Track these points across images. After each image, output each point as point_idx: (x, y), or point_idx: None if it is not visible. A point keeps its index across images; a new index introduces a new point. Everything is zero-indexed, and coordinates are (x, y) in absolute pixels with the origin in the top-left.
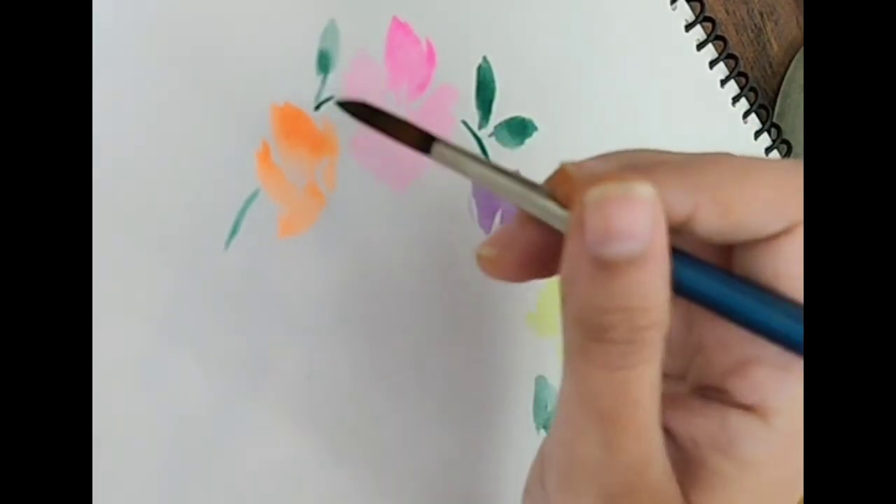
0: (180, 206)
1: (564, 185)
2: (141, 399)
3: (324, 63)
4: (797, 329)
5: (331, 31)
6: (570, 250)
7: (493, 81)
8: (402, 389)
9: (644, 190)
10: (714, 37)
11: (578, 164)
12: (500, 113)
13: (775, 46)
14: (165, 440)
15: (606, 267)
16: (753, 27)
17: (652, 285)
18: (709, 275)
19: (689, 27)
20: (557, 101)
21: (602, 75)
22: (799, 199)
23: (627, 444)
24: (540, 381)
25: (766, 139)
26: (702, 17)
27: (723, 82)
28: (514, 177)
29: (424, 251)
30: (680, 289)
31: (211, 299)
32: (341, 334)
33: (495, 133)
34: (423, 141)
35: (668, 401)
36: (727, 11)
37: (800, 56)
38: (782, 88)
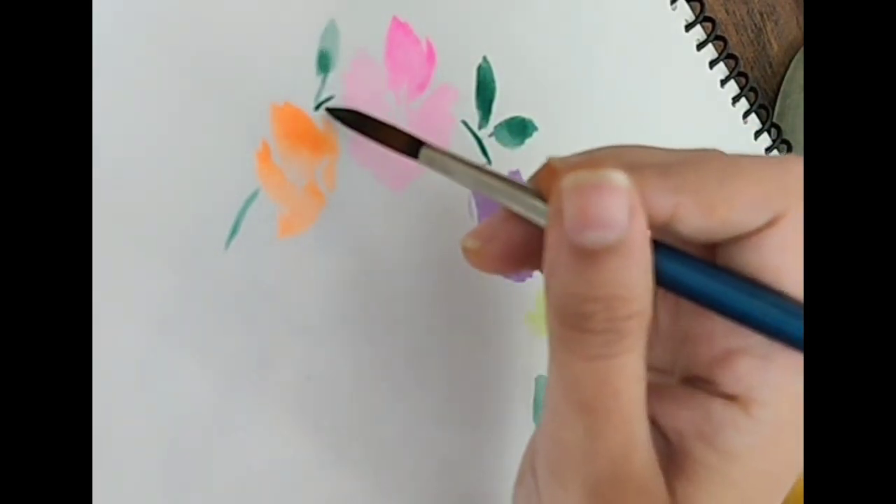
0: (180, 206)
1: (550, 180)
2: (141, 399)
3: (324, 63)
4: (782, 319)
5: (331, 31)
6: (551, 240)
7: (493, 81)
8: (402, 389)
9: (618, 177)
10: (714, 37)
11: (564, 159)
12: (500, 113)
13: (775, 46)
14: (165, 440)
15: (585, 255)
16: (753, 27)
17: (631, 274)
18: (692, 266)
19: (689, 27)
20: (557, 101)
21: (602, 75)
22: (782, 193)
23: (610, 433)
24: (540, 381)
25: (766, 139)
26: (702, 17)
27: (723, 82)
28: (501, 178)
29: (424, 251)
30: (664, 281)
31: (211, 299)
32: (341, 334)
33: (495, 133)
34: (410, 146)
35: (654, 391)
36: (727, 11)
37: (800, 56)
38: (782, 88)
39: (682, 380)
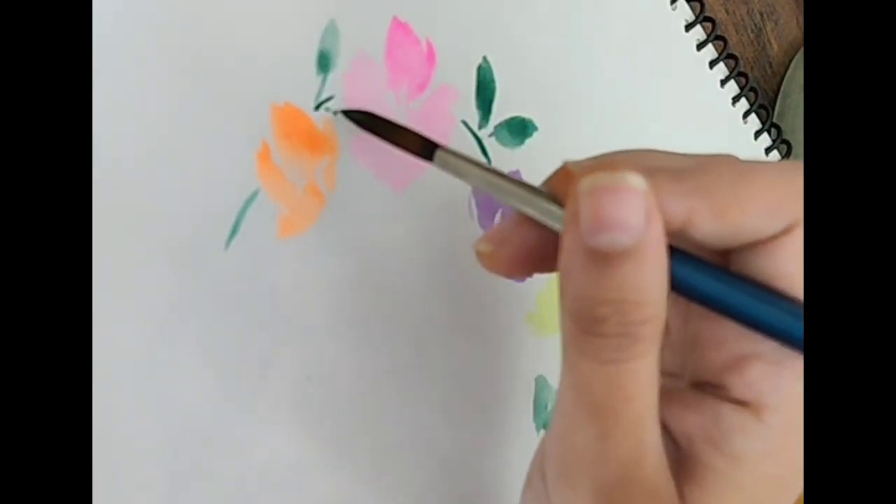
0: (180, 206)
1: (566, 184)
2: (141, 399)
3: (324, 63)
4: (796, 325)
5: (331, 31)
6: (566, 243)
7: (493, 81)
8: (402, 389)
9: (635, 180)
10: (714, 37)
11: (580, 163)
12: (500, 113)
13: (775, 46)
14: (166, 440)
15: (600, 258)
16: (753, 27)
17: (646, 278)
18: (706, 272)
19: (689, 27)
20: (557, 101)
21: (602, 75)
22: (796, 199)
23: (620, 438)
24: (540, 381)
25: (766, 139)
26: (702, 17)
27: (723, 82)
28: (516, 182)
29: (424, 251)
30: (676, 286)
31: (211, 299)
32: (341, 334)
33: (495, 133)
34: (425, 148)
35: (663, 395)
36: (727, 11)
37: (800, 56)
38: (782, 88)
39: (691, 384)
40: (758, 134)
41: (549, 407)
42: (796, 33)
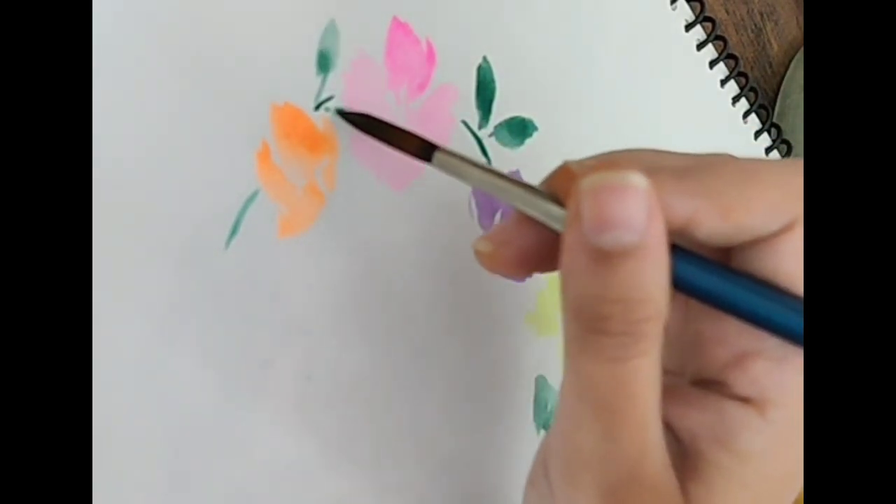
0: (180, 206)
1: (566, 183)
2: (141, 399)
3: (324, 63)
4: (798, 321)
5: (331, 31)
6: (568, 242)
7: (493, 81)
8: (402, 389)
9: (637, 179)
10: (714, 37)
11: (581, 162)
12: (500, 113)
13: (775, 46)
14: (166, 440)
15: (603, 257)
16: (753, 27)
17: (648, 277)
18: (707, 269)
19: (689, 27)
20: (557, 101)
21: (602, 75)
22: (797, 198)
23: (625, 436)
24: (540, 381)
25: (766, 139)
26: (702, 17)
27: (723, 82)
28: (516, 182)
29: (424, 251)
30: (678, 283)
31: (211, 299)
32: (341, 334)
33: (495, 133)
34: (424, 149)
35: (666, 393)
36: (727, 11)
37: (800, 56)
38: (782, 88)
39: (692, 383)
40: (758, 134)
41: (549, 407)
42: (796, 33)
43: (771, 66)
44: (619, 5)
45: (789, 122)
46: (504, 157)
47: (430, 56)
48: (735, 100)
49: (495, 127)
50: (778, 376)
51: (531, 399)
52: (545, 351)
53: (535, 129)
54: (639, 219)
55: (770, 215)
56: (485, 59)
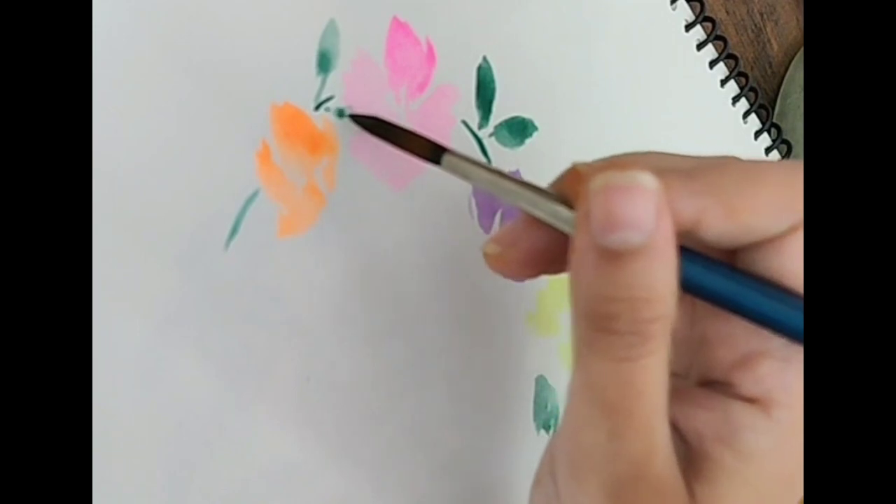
0: (180, 206)
1: (575, 185)
2: (141, 399)
3: (324, 63)
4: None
5: (331, 31)
6: (578, 242)
7: (493, 81)
8: (402, 389)
9: (646, 179)
10: (714, 37)
11: (589, 164)
12: (500, 113)
13: (775, 46)
14: (165, 440)
15: (611, 257)
16: (753, 27)
17: (657, 276)
18: (714, 270)
19: (689, 27)
20: (557, 101)
21: (602, 75)
22: (801, 199)
23: (632, 435)
24: (540, 381)
25: (766, 139)
26: (702, 17)
27: (723, 82)
28: (524, 184)
29: (424, 251)
30: (686, 284)
31: (211, 299)
32: (341, 334)
33: (495, 133)
34: (433, 152)
35: (672, 393)
36: (727, 11)
37: (800, 56)
38: (782, 88)
39: (698, 383)
40: (758, 134)
41: (549, 407)
42: (796, 33)
43: (771, 66)
44: (619, 5)
45: (789, 122)
46: (504, 157)
47: (430, 56)
48: (735, 100)
49: (495, 127)
50: (784, 377)
51: (531, 399)
52: (545, 351)
53: (535, 129)
54: (647, 219)
55: (776, 216)
56: (485, 59)
